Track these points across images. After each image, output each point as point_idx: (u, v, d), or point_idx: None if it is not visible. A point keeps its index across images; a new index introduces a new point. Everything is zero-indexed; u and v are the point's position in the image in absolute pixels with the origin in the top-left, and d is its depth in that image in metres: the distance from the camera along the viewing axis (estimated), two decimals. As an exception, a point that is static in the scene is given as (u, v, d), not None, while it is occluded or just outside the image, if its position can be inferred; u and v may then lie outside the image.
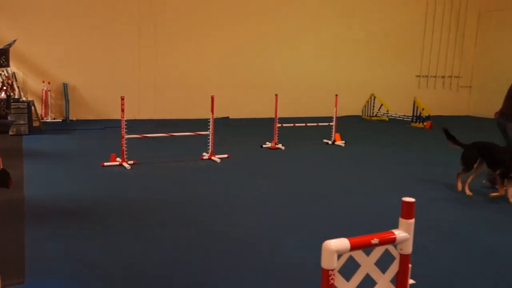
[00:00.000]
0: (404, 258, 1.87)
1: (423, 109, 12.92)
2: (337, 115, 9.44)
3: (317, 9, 14.03)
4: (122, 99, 6.54)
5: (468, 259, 3.73)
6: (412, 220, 1.82)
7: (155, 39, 12.07)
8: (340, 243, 1.64)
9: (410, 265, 1.88)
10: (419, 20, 15.69)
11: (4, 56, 4.76)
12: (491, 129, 10.14)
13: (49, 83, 11.12)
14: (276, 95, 8.70)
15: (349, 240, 1.67)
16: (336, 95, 9.48)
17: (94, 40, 11.50)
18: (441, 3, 15.86)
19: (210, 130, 7.29)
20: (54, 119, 11.27)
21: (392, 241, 1.80)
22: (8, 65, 5.06)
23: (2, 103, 5.72)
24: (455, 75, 16.65)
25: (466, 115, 16.83)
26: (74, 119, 11.43)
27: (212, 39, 12.80)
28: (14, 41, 6.23)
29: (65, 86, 11.28)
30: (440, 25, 16.00)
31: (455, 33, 16.38)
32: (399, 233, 1.81)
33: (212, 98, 7.32)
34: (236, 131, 10.77)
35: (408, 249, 1.86)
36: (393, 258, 1.86)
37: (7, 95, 7.52)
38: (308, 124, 9.53)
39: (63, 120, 11.28)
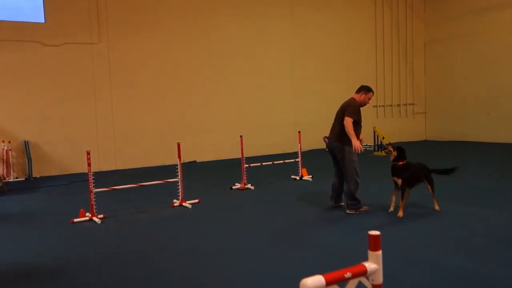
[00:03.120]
0: (376, 288, 2.00)
1: (383, 137, 13.42)
2: (302, 150, 9.69)
3: (274, 52, 14.55)
4: (88, 153, 6.54)
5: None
6: (380, 252, 1.96)
7: (110, 89, 12.13)
8: (316, 280, 1.76)
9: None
10: (370, 53, 16.51)
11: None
12: (447, 151, 10.48)
13: (9, 142, 10.94)
14: (241, 136, 8.88)
15: (324, 276, 1.79)
16: (299, 132, 9.76)
17: (51, 96, 11.47)
18: (388, 36, 16.79)
19: (179, 176, 7.34)
20: (17, 178, 11.01)
21: (364, 273, 1.93)
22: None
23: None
24: (410, 102, 17.45)
25: (423, 139, 17.57)
26: (38, 176, 11.21)
27: (171, 85, 13.01)
28: None
29: (26, 143, 11.11)
30: (390, 57, 16.88)
31: (405, 63, 17.29)
32: (369, 265, 1.95)
33: (178, 145, 7.42)
34: (205, 175, 10.83)
35: (379, 279, 1.99)
36: (366, 289, 1.99)
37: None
38: (275, 162, 9.71)
39: (26, 179, 11.03)
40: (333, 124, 6.49)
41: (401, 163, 6.15)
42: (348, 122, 6.11)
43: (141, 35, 12.52)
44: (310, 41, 15.19)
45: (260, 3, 14.31)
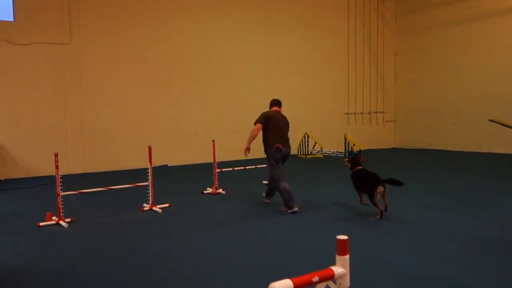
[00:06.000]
0: (343, 292, 2.03)
1: (354, 144, 13.62)
2: (274, 156, 9.70)
3: (250, 57, 14.61)
4: (56, 155, 6.40)
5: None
6: (347, 256, 2.00)
7: (80, 90, 11.92)
8: (284, 284, 1.78)
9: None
10: (342, 62, 16.79)
11: None
12: (414, 159, 10.63)
13: (-27, 142, 10.62)
14: (213, 141, 8.86)
15: (292, 280, 1.80)
16: (271, 137, 9.78)
17: (19, 96, 11.19)
18: (360, 45, 17.11)
19: (149, 180, 7.26)
20: (-20, 180, 10.68)
21: (331, 277, 1.96)
22: None
23: None
24: (380, 110, 17.80)
25: (392, 147, 17.93)
26: (3, 179, 10.88)
27: (142, 87, 12.88)
28: None
29: (-9, 144, 10.79)
30: (361, 66, 17.20)
31: (376, 72, 17.65)
32: (336, 269, 1.98)
33: (150, 148, 7.35)
34: (176, 179, 10.74)
35: (346, 283, 2.02)
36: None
37: None
38: (247, 167, 9.72)
39: (-10, 181, 10.71)
40: (285, 133, 7.19)
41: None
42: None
43: (114, 36, 12.37)
44: (284, 49, 15.33)
45: (235, 8, 14.35)
